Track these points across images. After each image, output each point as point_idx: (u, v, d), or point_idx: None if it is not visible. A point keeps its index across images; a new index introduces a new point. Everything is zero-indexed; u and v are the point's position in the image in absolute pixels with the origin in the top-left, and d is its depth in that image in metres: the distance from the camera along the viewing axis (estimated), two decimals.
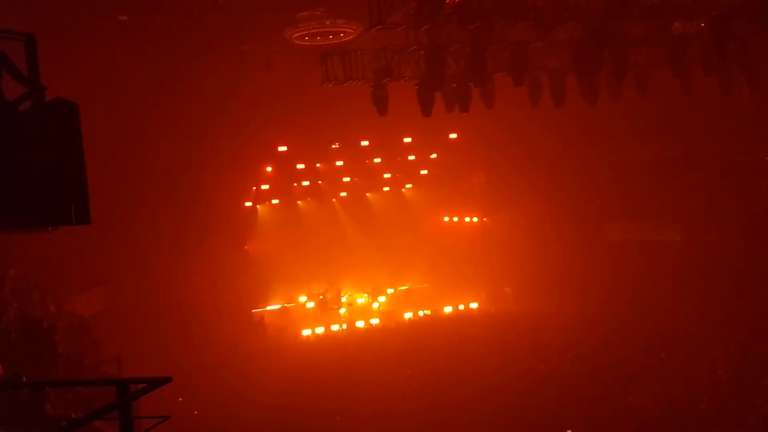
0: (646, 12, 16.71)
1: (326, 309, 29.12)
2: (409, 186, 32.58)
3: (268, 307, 29.82)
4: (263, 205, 30.26)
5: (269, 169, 29.21)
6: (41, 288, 18.11)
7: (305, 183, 30.42)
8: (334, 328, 28.13)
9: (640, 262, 25.15)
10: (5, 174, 5.73)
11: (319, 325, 28.00)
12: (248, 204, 29.57)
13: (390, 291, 31.37)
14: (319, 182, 30.75)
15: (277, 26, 19.12)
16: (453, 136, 30.45)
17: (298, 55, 20.52)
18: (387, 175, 31.72)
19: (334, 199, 31.58)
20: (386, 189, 32.29)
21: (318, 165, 30.33)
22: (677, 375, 18.42)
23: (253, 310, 28.75)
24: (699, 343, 20.45)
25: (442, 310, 29.52)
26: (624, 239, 26.69)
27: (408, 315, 29.12)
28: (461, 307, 29.80)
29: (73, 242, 16.96)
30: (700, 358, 19.27)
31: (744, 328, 20.88)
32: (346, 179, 31.04)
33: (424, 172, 32.07)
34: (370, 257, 30.62)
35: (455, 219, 32.35)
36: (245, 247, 29.22)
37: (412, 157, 31.41)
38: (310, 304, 30.10)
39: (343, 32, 19.22)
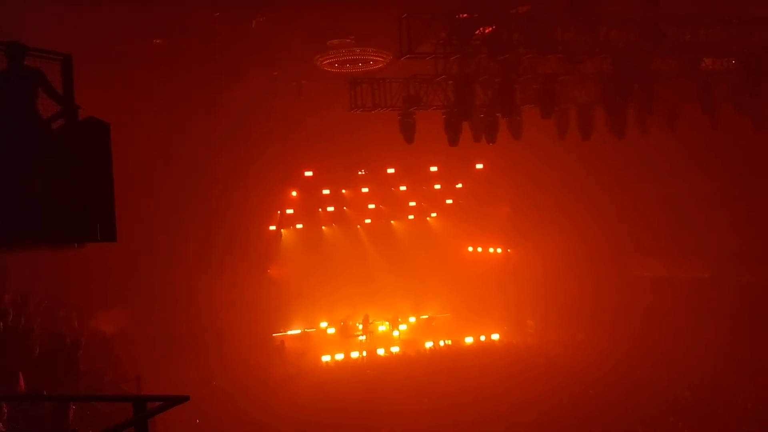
0: (676, 48, 16.65)
1: (347, 335, 29.04)
2: (433, 215, 32.60)
3: (289, 332, 29.85)
4: (287, 229, 30.42)
5: (294, 193, 29.39)
6: (66, 304, 18.27)
7: (330, 209, 30.55)
8: (354, 354, 28.01)
9: (668, 299, 24.74)
10: (35, 190, 5.83)
11: (339, 352, 27.91)
12: (272, 228, 29.72)
13: (412, 320, 31.23)
14: (344, 208, 30.86)
15: (308, 53, 19.32)
16: (479, 166, 30.45)
17: (328, 81, 20.69)
18: (412, 204, 31.77)
19: (358, 226, 31.67)
20: (411, 217, 32.32)
21: (343, 191, 30.46)
22: (702, 416, 18.02)
23: (274, 334, 28.77)
24: (726, 384, 20.02)
25: (463, 340, 29.30)
26: (651, 275, 26.33)
27: (429, 344, 28.93)
28: (482, 338, 29.56)
29: (98, 260, 17.12)
30: (725, 400, 18.86)
31: None
32: (371, 206, 31.11)
33: (449, 201, 32.07)
34: (392, 285, 30.59)
35: (479, 249, 32.23)
36: (268, 271, 29.32)
37: (437, 186, 31.43)
38: (331, 330, 30.08)
39: (373, 60, 19.38)
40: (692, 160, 23.72)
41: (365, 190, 30.34)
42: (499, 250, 31.56)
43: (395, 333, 30.22)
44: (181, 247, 24.04)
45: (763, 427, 17.01)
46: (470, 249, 32.39)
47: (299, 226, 30.56)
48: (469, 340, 29.32)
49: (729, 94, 17.81)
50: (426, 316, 31.50)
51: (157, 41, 17.97)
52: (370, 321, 29.32)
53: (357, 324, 29.33)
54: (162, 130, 21.86)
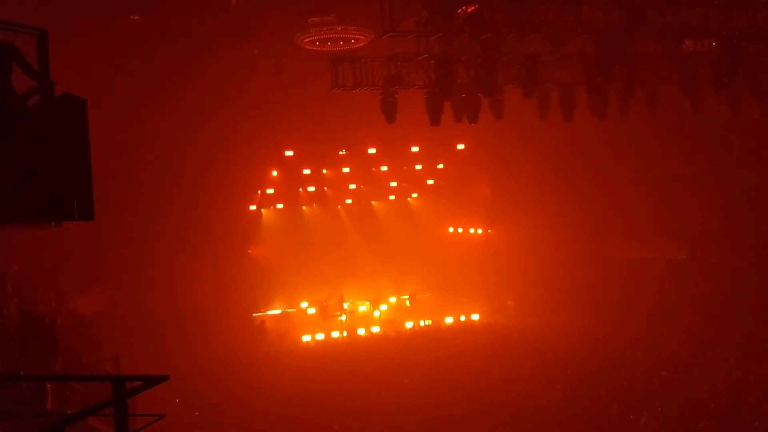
0: (657, 29, 16.66)
1: (327, 315, 29.07)
2: (414, 195, 32.60)
3: (269, 312, 29.81)
4: (268, 209, 30.27)
5: (275, 173, 29.22)
6: (43, 284, 18.08)
7: (311, 189, 30.44)
8: (335, 334, 28.06)
9: (645, 279, 25.02)
10: (10, 167, 5.71)
11: (320, 332, 27.94)
12: (253, 207, 29.57)
13: (392, 300, 31.32)
14: (325, 188, 30.76)
15: (289, 31, 19.14)
16: (460, 146, 30.44)
17: (308, 60, 20.52)
18: (393, 184, 31.74)
19: (339, 206, 31.59)
20: (392, 198, 32.29)
21: (324, 171, 30.34)
22: (677, 395, 18.26)
23: (254, 314, 28.72)
24: (700, 363, 20.31)
25: (443, 320, 29.42)
26: (629, 256, 26.56)
27: (409, 324, 29.03)
28: (462, 318, 29.71)
29: (76, 239, 16.94)
30: (700, 379, 19.12)
31: (745, 349, 20.77)
32: (352, 186, 31.04)
33: (430, 181, 32.07)
34: (373, 265, 30.63)
35: (459, 230, 32.31)
36: (248, 251, 29.21)
37: (418, 167, 31.42)
38: (312, 310, 30.09)
39: (354, 39, 19.24)
40: (674, 141, 23.89)
41: (346, 170, 30.25)
42: (479, 231, 31.66)
43: (376, 313, 30.29)
44: (159, 226, 23.87)
45: (735, 403, 17.28)
46: (451, 229, 32.46)
47: (280, 206, 30.43)
48: (449, 320, 29.46)
49: (710, 76, 17.87)
50: (406, 296, 31.58)
51: (135, 17, 17.71)
52: (345, 300, 29.37)
53: (337, 303, 29.41)
54: (139, 107, 21.59)
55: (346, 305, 29.38)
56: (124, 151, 21.06)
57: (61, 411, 7.94)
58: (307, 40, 19.32)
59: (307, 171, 29.64)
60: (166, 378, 5.03)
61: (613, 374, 20.09)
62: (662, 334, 22.98)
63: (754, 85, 18.55)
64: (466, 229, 32.09)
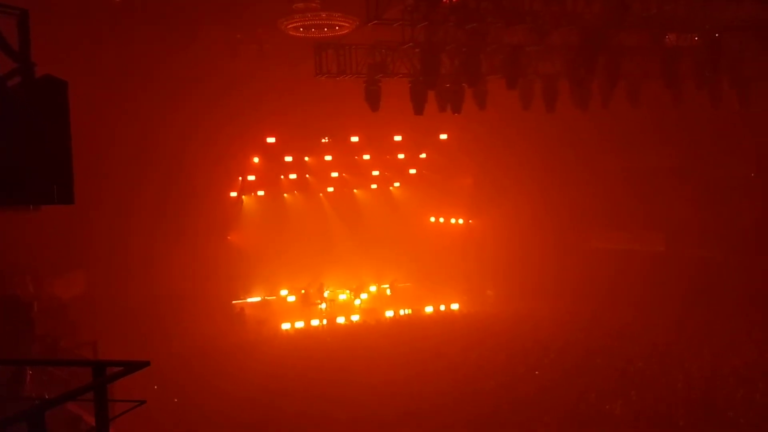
0: (641, 22, 16.73)
1: (307, 303, 29.05)
2: (397, 184, 32.60)
3: (249, 299, 29.74)
4: (249, 196, 30.12)
5: (256, 160, 29.07)
6: (20, 269, 17.89)
7: (292, 176, 30.32)
8: (315, 323, 28.04)
9: (625, 271, 25.24)
10: None
11: (300, 320, 27.91)
12: (234, 194, 29.41)
13: (372, 288, 31.36)
14: (307, 176, 30.66)
15: (272, 16, 18.98)
16: (443, 136, 30.46)
17: (292, 46, 20.39)
18: (375, 173, 31.70)
19: (321, 194, 31.52)
20: (374, 186, 32.25)
21: (306, 158, 30.23)
22: (653, 384, 18.48)
23: (234, 302, 28.64)
24: (675, 353, 20.58)
25: (423, 309, 29.52)
26: (607, 247, 26.79)
27: (389, 313, 29.09)
28: (442, 307, 29.81)
29: (54, 223, 16.76)
30: (675, 369, 19.37)
31: (720, 340, 21.07)
32: (335, 174, 30.97)
33: (412, 171, 32.09)
34: (354, 254, 30.61)
35: (441, 220, 32.40)
36: (228, 238, 29.08)
37: (401, 156, 31.39)
38: (292, 298, 30.07)
39: (339, 26, 19.12)
40: (659, 133, 24.07)
41: (328, 158, 30.16)
42: (460, 221, 31.76)
43: (357, 302, 30.33)
44: (139, 211, 23.63)
45: (708, 392, 17.53)
46: (432, 219, 32.54)
47: (261, 192, 30.28)
48: (429, 309, 29.54)
49: (692, 70, 18.00)
50: (387, 285, 31.63)
51: None
52: (325, 289, 29.37)
53: (317, 292, 29.40)
54: (119, 91, 21.34)
55: (326, 293, 29.36)
56: (104, 134, 20.78)
57: (40, 395, 7.88)
58: (290, 25, 19.16)
59: (289, 158, 29.48)
60: (147, 364, 5.01)
61: (591, 363, 20.28)
62: (641, 324, 23.23)
63: (733, 79, 18.72)
64: (447, 219, 32.19)
